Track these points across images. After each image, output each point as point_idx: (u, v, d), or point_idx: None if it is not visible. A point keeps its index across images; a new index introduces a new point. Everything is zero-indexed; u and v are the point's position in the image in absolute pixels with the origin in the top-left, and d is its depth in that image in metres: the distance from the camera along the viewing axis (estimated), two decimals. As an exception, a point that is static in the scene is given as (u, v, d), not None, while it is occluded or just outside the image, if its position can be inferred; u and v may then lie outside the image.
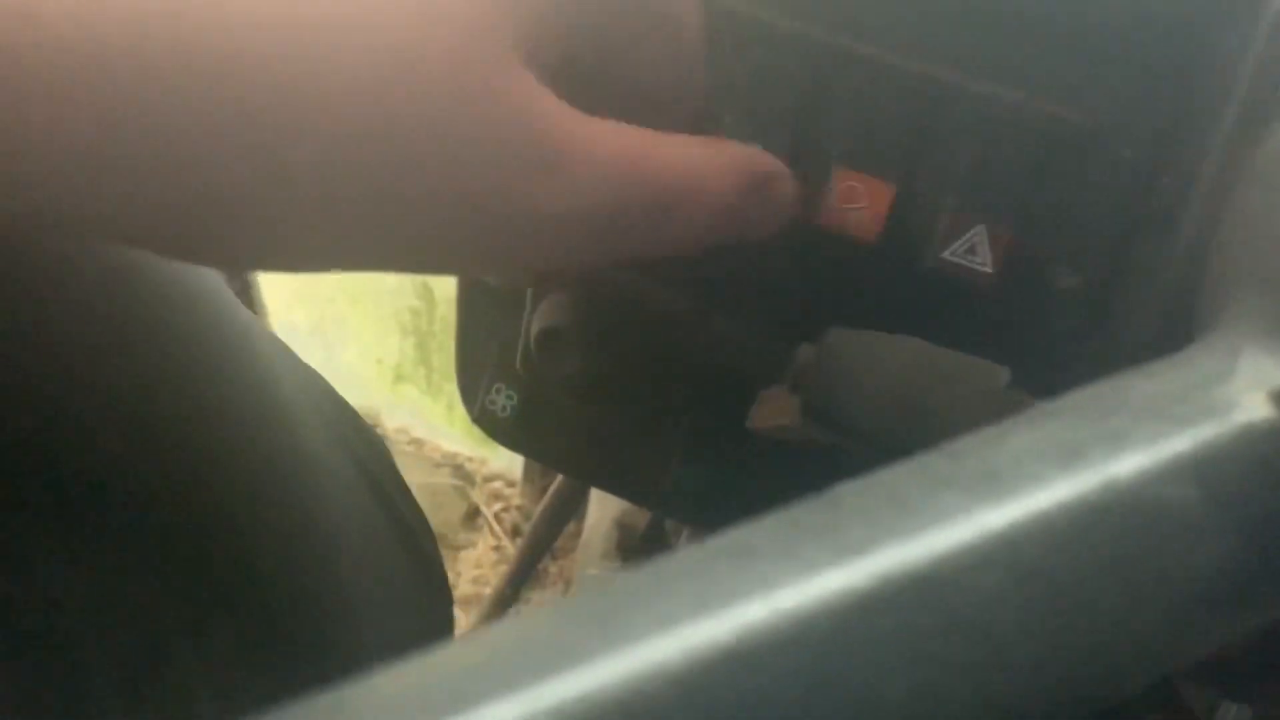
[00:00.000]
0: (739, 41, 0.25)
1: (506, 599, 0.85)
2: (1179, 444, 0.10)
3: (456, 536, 1.04)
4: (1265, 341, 0.11)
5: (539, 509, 0.82)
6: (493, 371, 0.35)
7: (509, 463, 1.09)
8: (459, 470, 1.11)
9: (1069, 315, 0.25)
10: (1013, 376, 0.23)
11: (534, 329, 0.28)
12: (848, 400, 0.21)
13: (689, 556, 0.10)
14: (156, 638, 0.27)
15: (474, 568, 1.01)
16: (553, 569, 0.97)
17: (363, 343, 1.10)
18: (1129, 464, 0.10)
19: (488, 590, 0.93)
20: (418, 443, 1.13)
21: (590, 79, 0.22)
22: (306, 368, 0.36)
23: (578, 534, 0.85)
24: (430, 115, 0.18)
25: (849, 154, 0.26)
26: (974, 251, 0.26)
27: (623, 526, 0.79)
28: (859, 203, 0.26)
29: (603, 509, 0.77)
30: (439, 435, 1.12)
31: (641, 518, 0.81)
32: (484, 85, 0.19)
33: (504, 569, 0.87)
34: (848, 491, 0.10)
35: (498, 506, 1.06)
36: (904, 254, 0.26)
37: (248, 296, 1.06)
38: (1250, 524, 0.10)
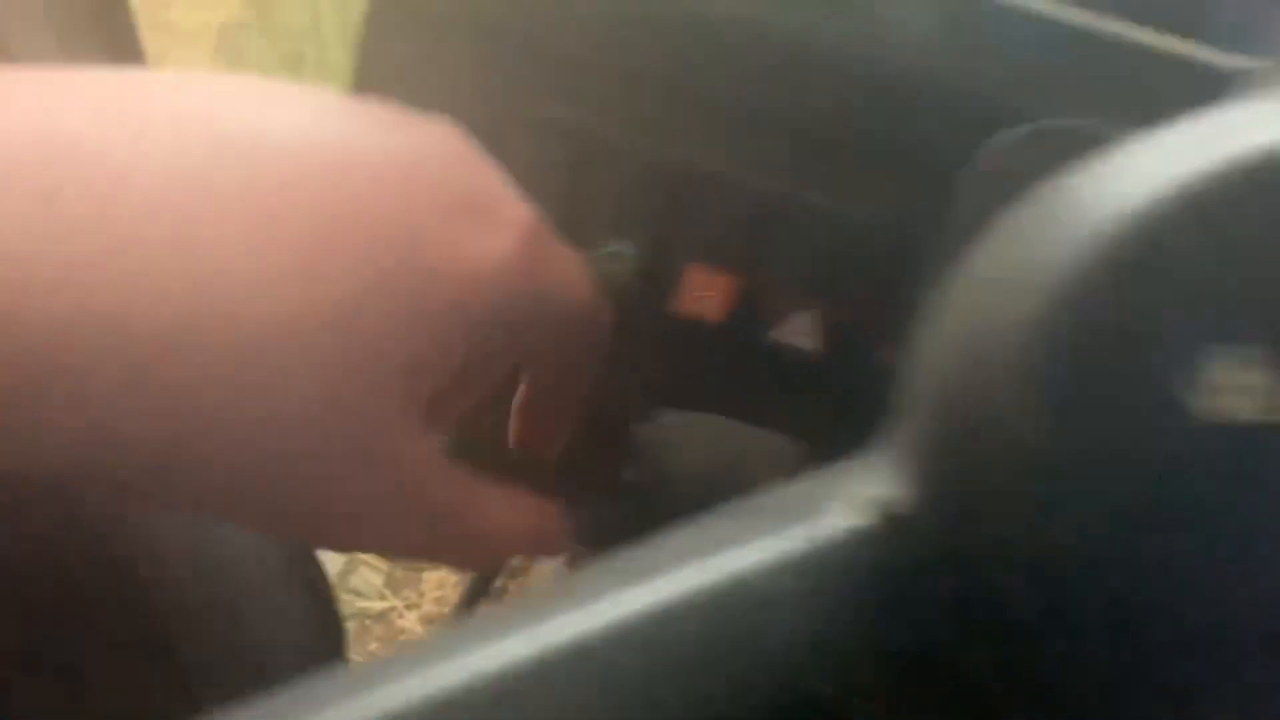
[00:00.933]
0: (601, 161, 0.30)
1: (464, 617, 0.89)
2: (796, 544, 0.14)
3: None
4: (891, 452, 0.16)
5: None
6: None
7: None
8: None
9: (879, 391, 0.30)
10: (839, 447, 0.27)
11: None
12: (673, 472, 0.25)
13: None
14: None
15: (436, 588, 1.05)
16: (511, 586, 1.01)
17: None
18: (750, 559, 0.14)
19: (449, 610, 0.97)
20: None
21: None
22: None
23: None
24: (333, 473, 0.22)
25: (699, 252, 0.30)
26: (802, 332, 0.30)
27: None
28: (708, 291, 0.31)
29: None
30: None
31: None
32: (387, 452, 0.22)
33: (461, 589, 0.91)
34: (569, 579, 0.15)
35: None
36: (745, 334, 0.31)
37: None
38: (838, 610, 0.14)
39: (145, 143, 0.20)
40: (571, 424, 0.28)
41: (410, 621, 0.98)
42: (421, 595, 1.04)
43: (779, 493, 0.16)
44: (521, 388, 0.28)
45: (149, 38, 0.39)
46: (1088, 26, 0.27)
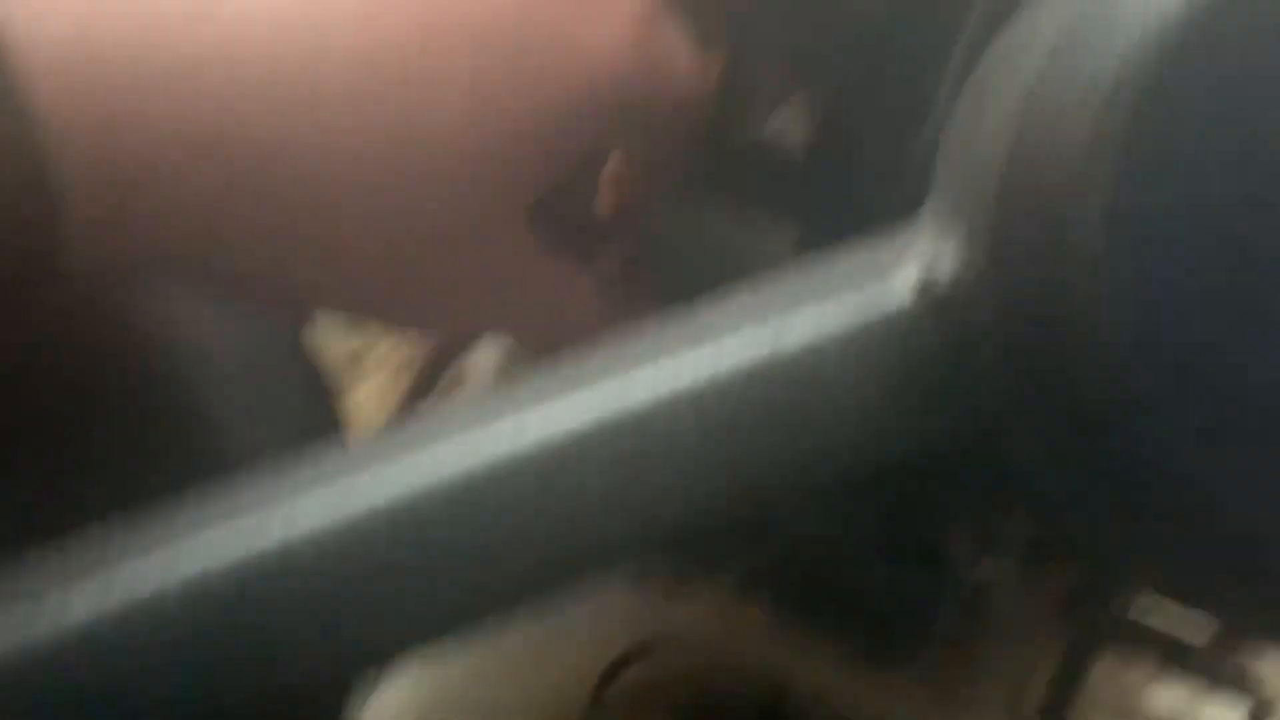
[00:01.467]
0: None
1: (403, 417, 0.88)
2: (841, 319, 0.13)
3: (342, 378, 1.06)
4: (936, 232, 0.15)
5: (427, 346, 0.85)
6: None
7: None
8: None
9: (871, 181, 0.29)
10: (820, 237, 0.26)
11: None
12: (661, 258, 0.24)
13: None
14: None
15: (361, 411, 1.03)
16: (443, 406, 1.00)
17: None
18: (797, 334, 0.13)
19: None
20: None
21: None
22: None
23: (466, 369, 0.87)
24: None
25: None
26: (793, 119, 0.29)
27: (512, 362, 0.82)
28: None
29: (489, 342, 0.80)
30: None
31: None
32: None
33: (391, 408, 0.90)
34: (591, 354, 0.14)
35: (382, 346, 1.08)
36: (731, 120, 0.29)
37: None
38: (887, 383, 0.13)
39: None
40: (657, 189, 0.28)
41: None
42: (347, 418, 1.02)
43: (825, 265, 0.15)
44: (613, 159, 0.28)
45: None
46: None
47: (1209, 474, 0.13)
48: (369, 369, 1.10)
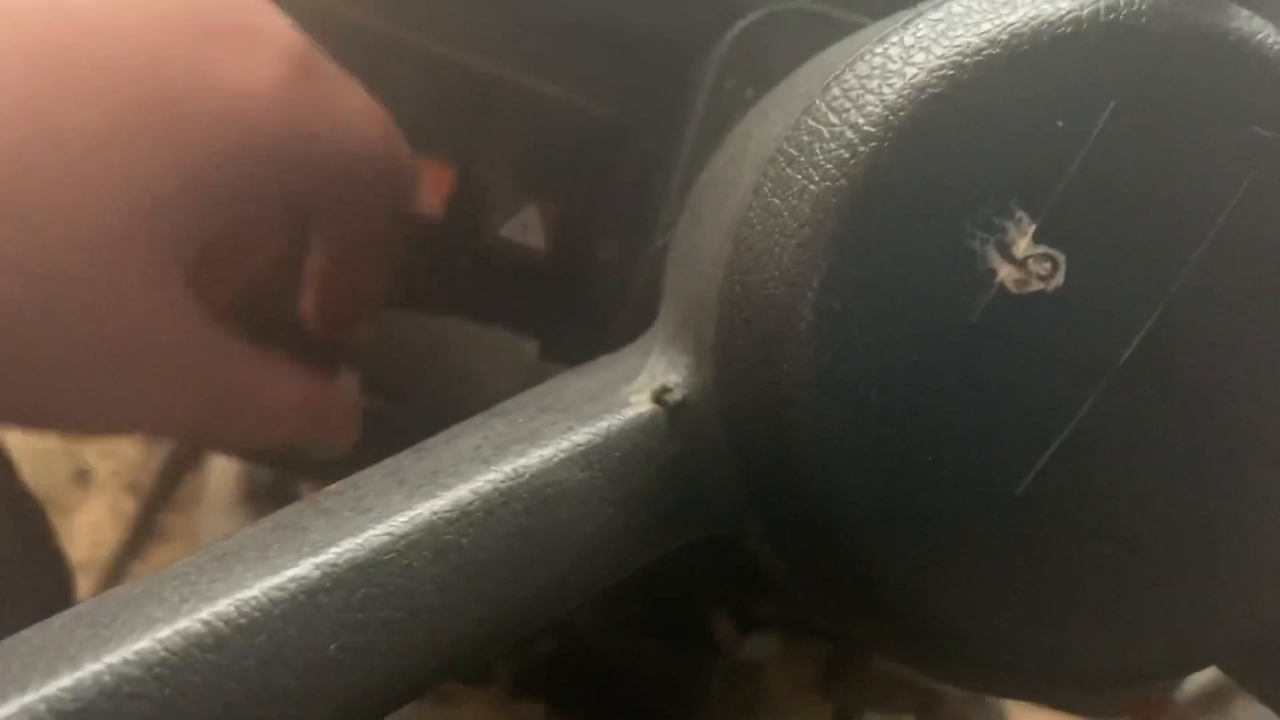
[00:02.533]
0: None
1: (125, 559, 0.81)
2: (580, 437, 0.13)
3: (68, 498, 0.96)
4: (667, 346, 0.15)
5: (158, 461, 0.79)
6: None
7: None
8: (66, 425, 1.02)
9: (607, 286, 0.29)
10: (560, 346, 0.26)
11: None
12: (401, 373, 0.23)
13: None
14: None
15: (91, 530, 0.94)
16: (176, 522, 0.93)
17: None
18: (536, 456, 0.13)
19: (106, 552, 0.88)
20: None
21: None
22: None
23: (201, 484, 0.82)
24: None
25: (410, 139, 0.28)
26: (527, 228, 0.29)
27: (249, 476, 0.78)
28: (426, 185, 0.28)
29: (225, 458, 0.75)
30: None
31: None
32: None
33: (122, 527, 0.82)
34: (323, 495, 0.13)
35: (109, 463, 0.99)
36: (466, 231, 0.29)
37: None
38: (627, 497, 0.13)
39: None
40: (376, 300, 0.25)
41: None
42: (72, 540, 0.93)
43: (559, 385, 0.15)
44: (315, 252, 0.25)
45: None
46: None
47: (916, 582, 0.14)
48: (97, 487, 1.00)
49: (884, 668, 0.41)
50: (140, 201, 0.19)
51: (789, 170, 0.13)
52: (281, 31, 0.21)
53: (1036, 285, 0.13)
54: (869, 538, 0.13)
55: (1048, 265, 0.13)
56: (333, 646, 0.11)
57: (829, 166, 0.13)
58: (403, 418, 0.24)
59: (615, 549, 0.13)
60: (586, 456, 0.13)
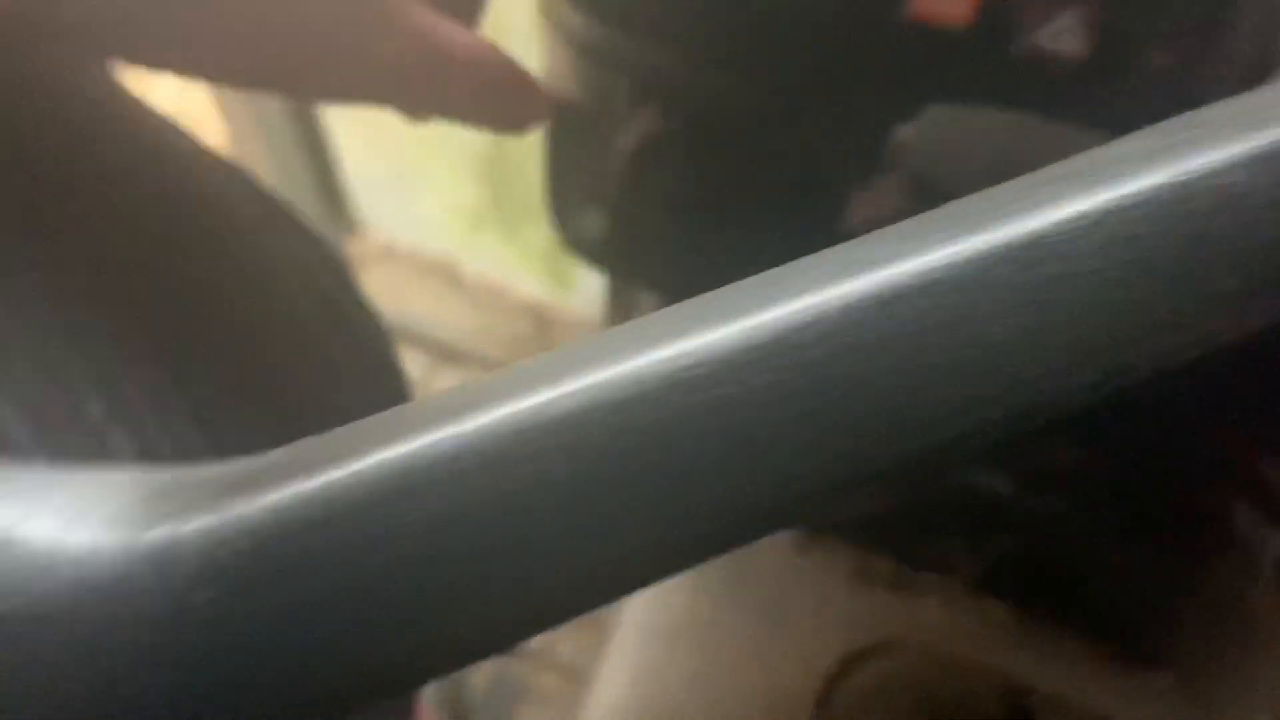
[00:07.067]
0: None
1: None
2: (1248, 142, 0.11)
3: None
4: None
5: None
6: (584, 194, 0.36)
7: (589, 308, 1.10)
8: (540, 317, 1.13)
9: (1159, 96, 0.26)
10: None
11: (629, 142, 0.29)
12: (951, 172, 0.21)
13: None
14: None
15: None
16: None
17: (439, 192, 1.11)
18: (1201, 158, 0.11)
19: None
20: (497, 292, 1.15)
21: None
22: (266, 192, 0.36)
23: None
24: None
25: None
26: (1065, 35, 0.26)
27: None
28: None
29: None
30: (518, 282, 1.14)
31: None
32: None
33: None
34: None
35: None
36: (995, 40, 0.26)
37: (322, 150, 1.08)
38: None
39: None
40: None
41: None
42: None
43: (1191, 115, 0.12)
44: None
45: None
46: None
47: None
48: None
49: None
50: None
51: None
52: None
53: None
54: None
55: None
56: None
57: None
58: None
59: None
60: (1260, 161, 0.11)
